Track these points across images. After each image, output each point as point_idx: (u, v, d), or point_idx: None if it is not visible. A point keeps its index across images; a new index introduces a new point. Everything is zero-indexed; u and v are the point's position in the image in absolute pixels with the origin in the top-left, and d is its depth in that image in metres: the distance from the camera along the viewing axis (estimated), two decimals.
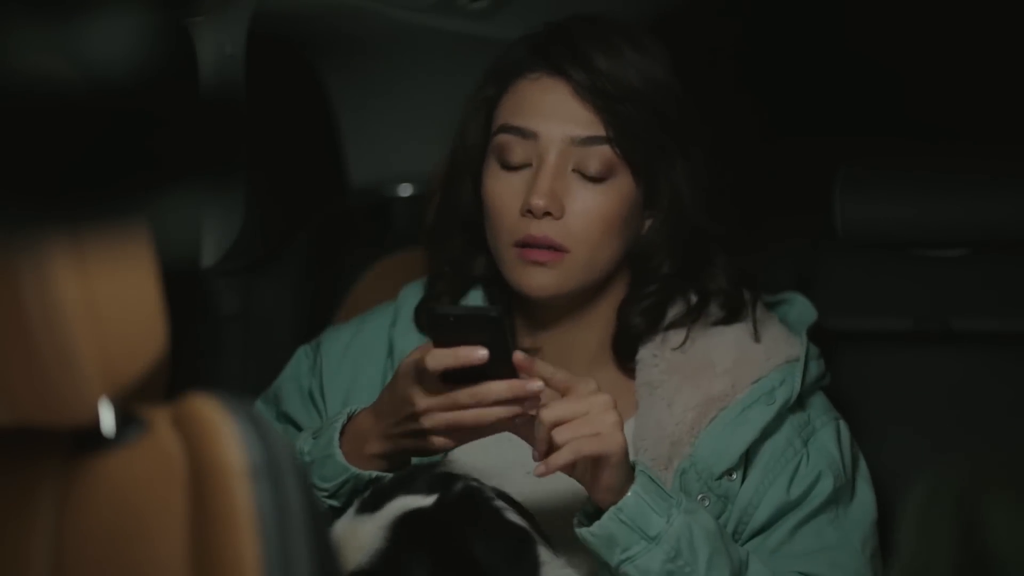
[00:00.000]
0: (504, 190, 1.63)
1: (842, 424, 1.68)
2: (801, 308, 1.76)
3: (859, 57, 2.62)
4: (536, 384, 1.48)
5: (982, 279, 2.12)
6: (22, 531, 0.96)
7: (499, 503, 1.49)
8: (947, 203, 2.11)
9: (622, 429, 1.48)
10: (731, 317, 1.68)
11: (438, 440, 1.52)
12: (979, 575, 0.90)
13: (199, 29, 1.88)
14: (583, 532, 1.50)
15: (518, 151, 1.63)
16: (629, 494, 1.49)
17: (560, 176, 1.61)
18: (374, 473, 1.56)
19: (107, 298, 0.92)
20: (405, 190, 2.41)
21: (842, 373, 1.75)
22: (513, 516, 1.48)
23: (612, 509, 1.49)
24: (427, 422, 1.50)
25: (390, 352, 1.74)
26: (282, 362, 1.88)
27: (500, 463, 1.63)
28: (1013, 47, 2.40)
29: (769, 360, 1.65)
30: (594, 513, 1.51)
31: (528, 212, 1.60)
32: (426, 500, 1.46)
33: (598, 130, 1.62)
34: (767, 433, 1.62)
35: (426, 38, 2.22)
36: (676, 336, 1.68)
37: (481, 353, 1.46)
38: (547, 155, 1.61)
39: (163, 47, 1.00)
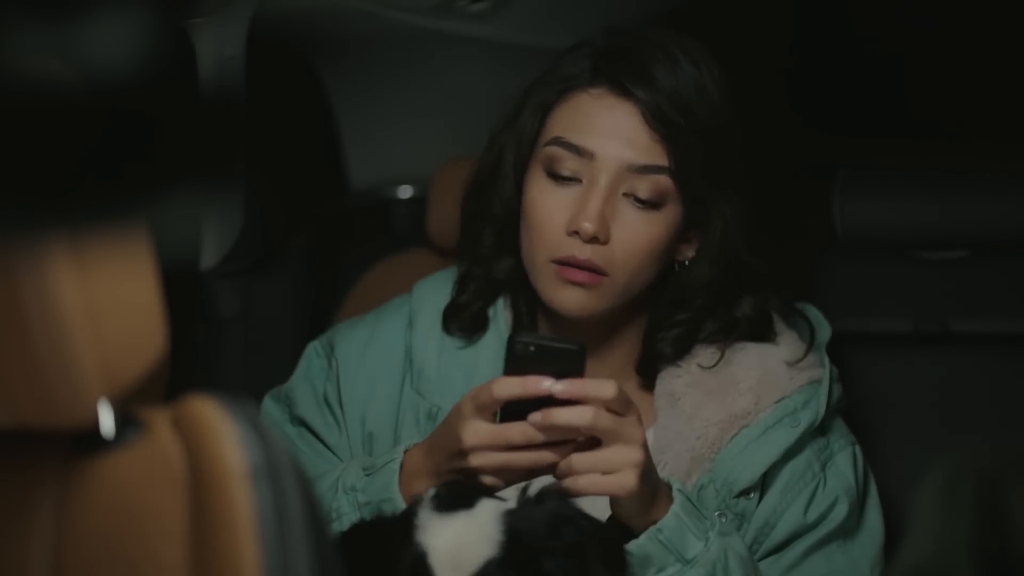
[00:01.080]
0: (550, 204, 1.59)
1: (857, 449, 1.67)
2: (816, 325, 1.73)
3: (858, 57, 2.62)
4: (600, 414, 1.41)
5: (981, 280, 2.12)
6: (21, 532, 0.96)
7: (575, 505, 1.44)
8: (947, 204, 2.11)
9: (639, 472, 1.43)
10: (758, 337, 1.67)
11: (487, 479, 1.46)
12: (998, 560, 0.90)
13: (199, 31, 1.88)
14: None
15: (569, 166, 1.58)
16: (669, 515, 1.48)
17: (610, 200, 1.57)
18: None
19: (107, 299, 0.92)
20: (405, 192, 2.41)
21: (842, 373, 1.74)
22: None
23: (652, 529, 1.47)
24: (475, 460, 1.45)
25: (407, 358, 1.71)
26: (282, 363, 1.88)
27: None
28: (1013, 47, 2.40)
29: (792, 380, 1.64)
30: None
31: (575, 233, 1.56)
32: (510, 503, 1.40)
33: (656, 159, 1.57)
34: (789, 455, 1.61)
35: (426, 40, 2.22)
36: (701, 351, 1.66)
37: (556, 386, 1.40)
38: (600, 177, 1.57)
39: (163, 49, 1.00)
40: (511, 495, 1.41)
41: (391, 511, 1.48)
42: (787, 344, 1.68)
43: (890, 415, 2.08)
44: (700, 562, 1.48)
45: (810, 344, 1.69)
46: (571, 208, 1.57)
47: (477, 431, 1.43)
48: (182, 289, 1.92)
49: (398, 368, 1.71)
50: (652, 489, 1.48)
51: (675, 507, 1.48)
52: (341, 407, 1.71)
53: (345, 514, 1.55)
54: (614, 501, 1.47)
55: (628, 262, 1.57)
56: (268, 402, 1.77)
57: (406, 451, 1.55)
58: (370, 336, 1.74)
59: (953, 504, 0.93)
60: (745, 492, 1.60)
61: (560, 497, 1.41)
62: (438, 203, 2.19)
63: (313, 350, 1.76)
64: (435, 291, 1.75)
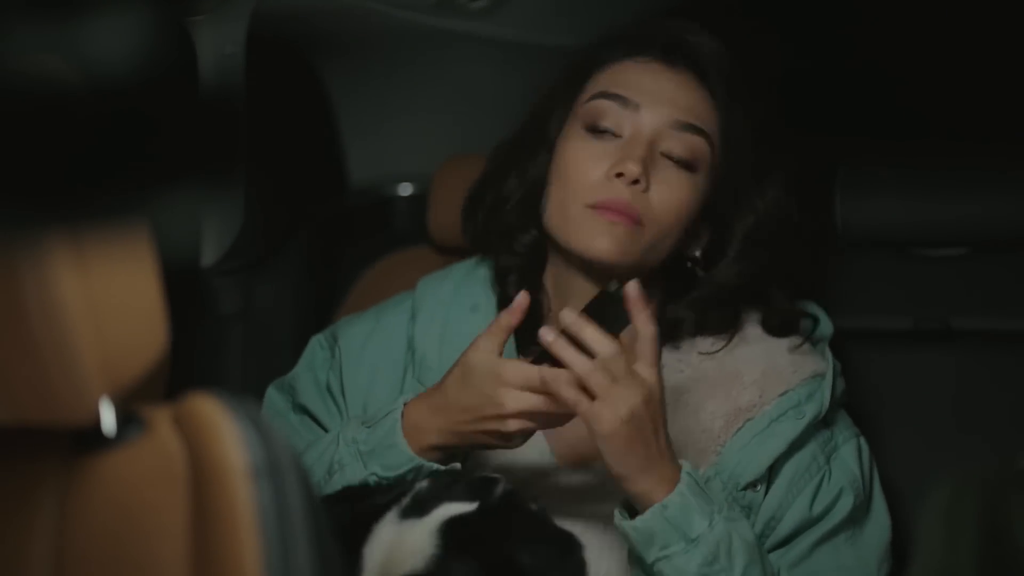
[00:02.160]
0: (588, 154, 1.61)
1: (862, 441, 1.68)
2: (819, 319, 1.74)
3: (858, 56, 2.62)
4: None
5: (982, 277, 2.12)
6: (22, 530, 0.96)
7: (539, 507, 1.49)
8: (946, 202, 2.11)
9: (620, 417, 1.45)
10: (776, 333, 1.68)
11: (515, 426, 1.49)
12: None
13: (199, 28, 1.88)
14: (624, 525, 1.50)
15: (612, 118, 1.62)
16: (675, 493, 1.48)
17: (652, 153, 1.60)
18: (435, 465, 1.54)
19: (107, 297, 0.92)
20: (405, 189, 2.41)
21: (843, 371, 1.74)
22: (555, 521, 1.48)
23: (657, 506, 1.48)
24: (513, 403, 1.48)
25: (409, 349, 1.73)
26: (283, 360, 1.88)
27: (529, 465, 1.64)
28: (1012, 46, 2.40)
29: (796, 373, 1.65)
30: (632, 508, 1.51)
31: (618, 176, 1.58)
32: (469, 507, 1.45)
33: (699, 120, 1.61)
34: (794, 447, 1.62)
35: (426, 37, 2.22)
36: (701, 341, 1.67)
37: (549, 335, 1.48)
38: (644, 128, 1.60)
39: (163, 47, 1.00)
40: (471, 505, 1.43)
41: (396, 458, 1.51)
42: (790, 337, 1.69)
43: (891, 413, 2.08)
44: (704, 542, 1.48)
45: (811, 332, 1.70)
46: (611, 158, 1.59)
47: (516, 390, 1.49)
48: (182, 287, 1.92)
49: (400, 359, 1.72)
50: (646, 454, 1.46)
51: (681, 486, 1.49)
52: (343, 396, 1.73)
53: (347, 464, 1.57)
54: (604, 450, 1.46)
55: (662, 217, 1.59)
56: (272, 392, 1.78)
57: (405, 404, 1.57)
58: (372, 328, 1.76)
59: (958, 524, 0.93)
60: (752, 485, 1.60)
61: (524, 507, 1.44)
62: (439, 200, 2.19)
63: (316, 342, 1.78)
64: (438, 285, 1.76)
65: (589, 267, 1.63)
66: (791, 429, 1.61)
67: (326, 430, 1.72)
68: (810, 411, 1.62)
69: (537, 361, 1.50)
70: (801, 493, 1.61)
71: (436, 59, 2.28)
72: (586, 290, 1.63)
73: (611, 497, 1.57)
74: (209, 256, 2.04)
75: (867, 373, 2.06)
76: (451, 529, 1.44)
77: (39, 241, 0.89)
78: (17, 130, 0.90)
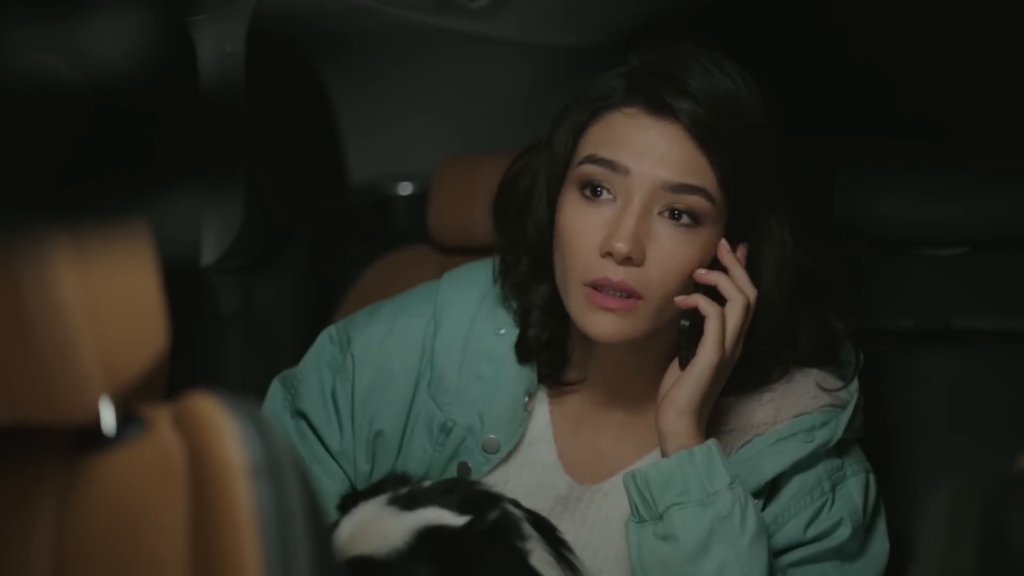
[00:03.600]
0: (583, 224, 1.55)
1: (872, 477, 1.66)
2: (851, 355, 1.70)
3: (857, 56, 2.62)
4: None
5: (982, 277, 2.12)
6: (23, 530, 0.96)
7: (529, 544, 1.43)
8: (946, 201, 2.11)
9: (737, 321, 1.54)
10: (820, 362, 1.66)
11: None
12: None
13: (200, 27, 1.88)
14: (640, 471, 1.52)
15: (604, 184, 1.55)
16: (703, 445, 1.51)
17: (645, 219, 1.53)
18: None
19: (107, 297, 0.92)
20: (405, 188, 2.41)
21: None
22: (539, 560, 1.43)
23: (684, 451, 1.51)
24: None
25: (427, 361, 1.67)
26: (282, 359, 1.87)
27: (543, 484, 1.63)
28: (1012, 46, 2.40)
29: (816, 399, 1.62)
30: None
31: (608, 255, 1.52)
32: (457, 520, 1.41)
33: (692, 178, 1.53)
34: (798, 468, 1.60)
35: (426, 37, 2.22)
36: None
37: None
38: (635, 195, 1.53)
39: (163, 46, 1.00)
40: (459, 518, 1.41)
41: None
42: (820, 370, 1.66)
43: (891, 413, 2.08)
44: (721, 499, 1.49)
45: (852, 376, 1.66)
46: (605, 228, 1.54)
47: None
48: (182, 286, 1.92)
49: (414, 368, 1.67)
50: (702, 401, 1.54)
51: (711, 442, 1.52)
52: (352, 406, 1.68)
53: None
54: (692, 369, 1.54)
55: (663, 284, 1.54)
56: (276, 385, 1.74)
57: None
58: (389, 331, 1.69)
59: (958, 527, 0.92)
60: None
61: (511, 539, 1.42)
62: (439, 200, 2.19)
63: (327, 336, 1.73)
64: (463, 293, 1.70)
65: None
66: (798, 450, 1.59)
67: (322, 440, 1.69)
68: (821, 436, 1.60)
69: None
70: (799, 514, 1.59)
71: (436, 59, 2.28)
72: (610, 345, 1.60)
73: (621, 522, 1.57)
74: (209, 255, 2.03)
75: (867, 373, 2.06)
76: (428, 534, 1.40)
77: (40, 240, 0.89)
78: (18, 129, 0.90)
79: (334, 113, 2.34)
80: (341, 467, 1.69)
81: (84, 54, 0.96)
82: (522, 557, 1.42)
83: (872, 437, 1.75)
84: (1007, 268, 2.11)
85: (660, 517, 1.50)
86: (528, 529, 1.44)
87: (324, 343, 1.72)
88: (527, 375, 1.65)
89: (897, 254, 2.14)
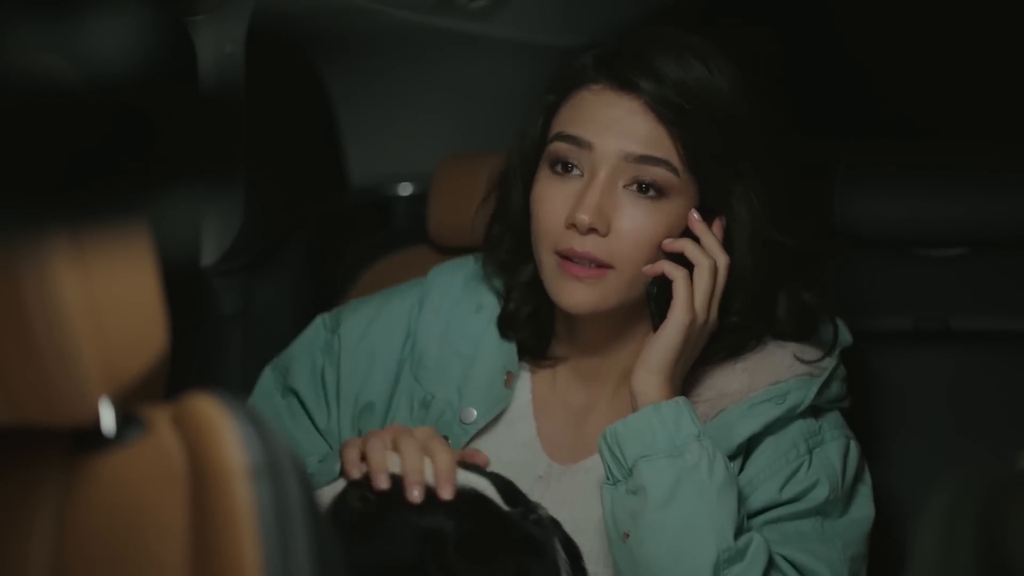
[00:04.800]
0: (552, 197, 1.60)
1: (853, 443, 1.67)
2: (840, 331, 1.72)
3: (857, 56, 2.62)
4: None
5: (981, 277, 2.12)
6: (22, 530, 0.96)
7: (559, 563, 1.46)
8: (946, 201, 2.11)
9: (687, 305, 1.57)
10: (800, 336, 1.67)
11: None
12: None
13: (199, 28, 1.88)
14: (610, 430, 1.54)
15: (571, 160, 1.59)
16: (671, 401, 1.54)
17: (610, 192, 1.57)
18: None
19: (107, 298, 0.92)
20: (405, 189, 2.41)
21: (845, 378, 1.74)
22: None
23: (651, 406, 1.54)
24: None
25: (409, 339, 1.73)
26: None
27: (522, 464, 1.64)
28: (1011, 46, 2.40)
29: (791, 368, 1.64)
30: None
31: (573, 226, 1.57)
32: (499, 499, 1.44)
33: (656, 150, 1.57)
34: (770, 429, 1.62)
35: (426, 37, 2.22)
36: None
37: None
38: (599, 168, 1.58)
39: (163, 46, 1.00)
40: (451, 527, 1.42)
41: None
42: (800, 344, 1.67)
43: (890, 412, 2.08)
44: (688, 450, 1.52)
45: (831, 348, 1.68)
46: (572, 201, 1.59)
47: None
48: (182, 286, 1.92)
49: (399, 346, 1.73)
50: (673, 360, 1.57)
51: (679, 398, 1.56)
52: (338, 384, 1.73)
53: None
54: (664, 328, 1.57)
55: (632, 254, 1.58)
56: (267, 371, 1.79)
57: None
58: (376, 314, 1.76)
59: (954, 529, 0.92)
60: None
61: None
62: (438, 200, 2.19)
63: (320, 321, 1.79)
64: (449, 276, 1.77)
65: None
66: (770, 412, 1.61)
67: (312, 418, 1.73)
68: (792, 399, 1.62)
69: None
70: (774, 476, 1.60)
71: (436, 59, 2.28)
72: (586, 318, 1.64)
73: (598, 501, 1.58)
74: (209, 256, 2.03)
75: (866, 373, 2.07)
76: (461, 496, 1.43)
77: (39, 241, 0.89)
78: (17, 130, 0.90)
79: (334, 113, 2.34)
80: (329, 445, 1.73)
81: (84, 54, 0.96)
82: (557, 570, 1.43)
83: (871, 437, 1.75)
84: (1006, 268, 2.11)
85: (630, 472, 1.53)
86: (560, 551, 1.46)
87: (316, 326, 1.78)
88: (507, 352, 1.69)
89: (896, 254, 2.14)
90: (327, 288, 2.29)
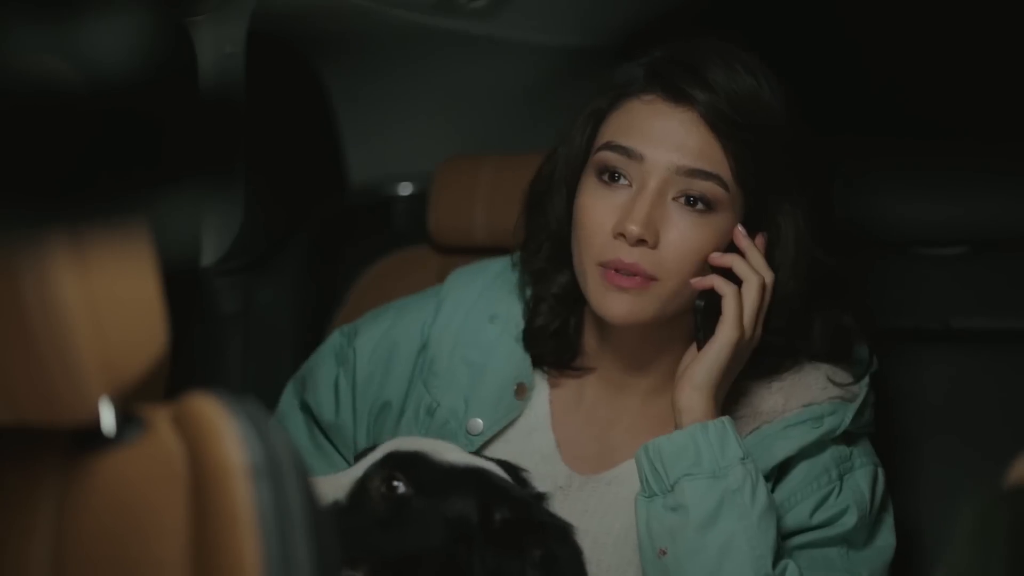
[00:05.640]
0: (599, 207, 1.58)
1: (880, 471, 1.67)
2: (864, 354, 1.71)
3: (857, 56, 2.62)
4: None
5: (982, 277, 2.12)
6: (22, 530, 0.96)
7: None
8: (946, 201, 2.11)
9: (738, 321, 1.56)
10: (834, 359, 1.67)
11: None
12: None
13: (199, 28, 1.88)
14: (653, 444, 1.53)
15: (620, 170, 1.58)
16: (717, 421, 1.53)
17: (660, 203, 1.56)
18: None
19: (107, 298, 0.92)
20: (405, 189, 2.41)
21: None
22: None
23: (697, 424, 1.53)
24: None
25: (423, 346, 1.73)
26: (283, 360, 1.88)
27: (543, 475, 1.64)
28: (1011, 46, 2.40)
29: (825, 390, 1.64)
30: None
31: (621, 236, 1.55)
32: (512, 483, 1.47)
33: (707, 164, 1.56)
34: (805, 454, 1.61)
35: (426, 37, 2.22)
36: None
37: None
38: (649, 180, 1.56)
39: (163, 47, 1.00)
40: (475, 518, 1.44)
41: None
42: (833, 365, 1.67)
43: (890, 412, 2.08)
44: (733, 472, 1.51)
45: (864, 373, 1.68)
46: (620, 212, 1.57)
47: None
48: (182, 286, 1.92)
49: (414, 353, 1.73)
50: (719, 379, 1.56)
51: (725, 418, 1.54)
52: (353, 391, 1.74)
53: None
54: (712, 344, 1.56)
55: (678, 267, 1.56)
56: (289, 384, 1.81)
57: None
58: (393, 322, 1.76)
59: (985, 537, 0.92)
60: None
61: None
62: (438, 200, 2.19)
63: (339, 332, 1.80)
64: (467, 283, 1.76)
65: None
66: (805, 435, 1.60)
67: (323, 430, 1.74)
68: (828, 424, 1.61)
69: None
70: (805, 500, 1.60)
71: (436, 59, 2.28)
72: (625, 329, 1.62)
73: (622, 511, 1.58)
74: (209, 256, 2.03)
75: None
76: (480, 475, 1.47)
77: (40, 241, 0.89)
78: (17, 130, 0.90)
79: (334, 114, 2.34)
80: (334, 445, 1.75)
81: (84, 55, 0.96)
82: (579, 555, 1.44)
83: (871, 437, 1.75)
84: (1007, 268, 2.11)
85: (671, 489, 1.52)
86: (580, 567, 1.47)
87: (335, 337, 1.79)
88: (519, 363, 1.69)
89: (897, 254, 2.14)
90: (327, 288, 2.29)
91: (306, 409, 1.77)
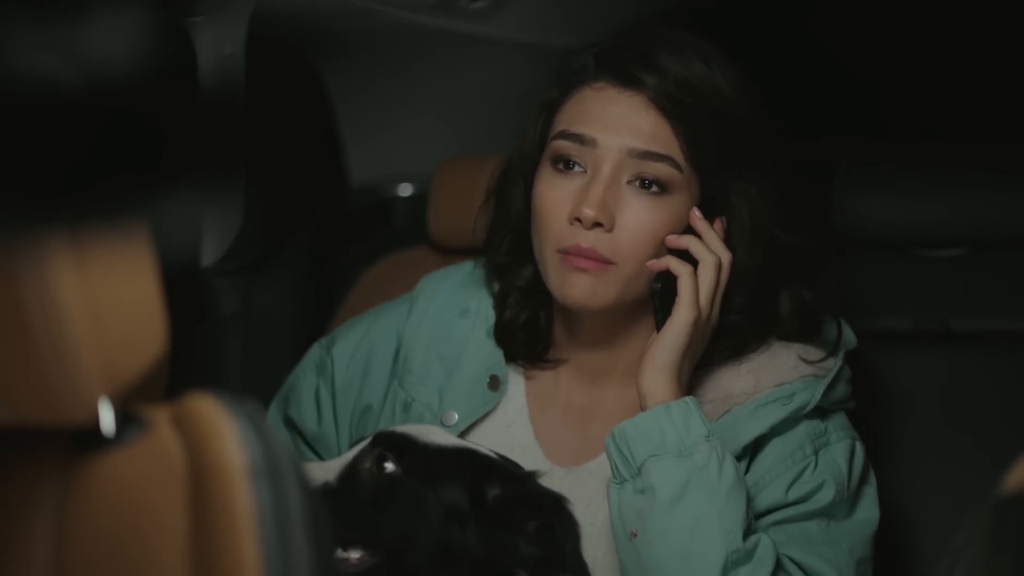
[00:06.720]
0: (555, 195, 1.60)
1: (858, 445, 1.67)
2: (844, 332, 1.72)
3: (858, 57, 2.62)
4: None
5: (981, 278, 2.12)
6: (22, 530, 0.96)
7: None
8: (946, 201, 2.11)
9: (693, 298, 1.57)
10: (802, 337, 1.67)
11: None
12: None
13: (199, 29, 1.88)
14: (618, 430, 1.54)
15: (574, 157, 1.60)
16: (680, 401, 1.54)
17: (614, 187, 1.58)
18: None
19: (107, 297, 0.92)
20: (405, 190, 2.41)
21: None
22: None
23: (661, 406, 1.54)
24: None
25: (398, 347, 1.75)
26: (282, 360, 1.88)
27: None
28: (1009, 46, 2.40)
29: (796, 369, 1.64)
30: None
31: (577, 221, 1.57)
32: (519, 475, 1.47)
33: (659, 146, 1.58)
34: (777, 431, 1.62)
35: (426, 38, 2.22)
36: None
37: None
38: (603, 164, 1.58)
39: (163, 47, 1.00)
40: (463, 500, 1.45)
41: None
42: (804, 344, 1.67)
43: (891, 413, 2.08)
44: (698, 450, 1.51)
45: (835, 347, 1.68)
46: (575, 197, 1.58)
47: None
48: (182, 287, 1.92)
49: (391, 355, 1.75)
50: (680, 358, 1.57)
51: (688, 398, 1.55)
52: (333, 398, 1.75)
53: None
54: (668, 326, 1.57)
55: (635, 250, 1.58)
56: (272, 405, 1.82)
57: None
58: (368, 327, 1.78)
59: (996, 542, 0.92)
60: None
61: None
62: (438, 201, 2.19)
63: (317, 344, 1.81)
64: (437, 284, 1.78)
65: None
66: (776, 413, 1.61)
67: (307, 441, 1.76)
68: (798, 400, 1.62)
69: None
70: (779, 477, 1.60)
71: (436, 59, 2.29)
72: (589, 314, 1.64)
73: (605, 501, 1.58)
74: (209, 256, 2.04)
75: (866, 374, 2.06)
76: (471, 455, 1.49)
77: (39, 241, 0.89)
78: (17, 130, 0.90)
79: (334, 114, 2.34)
80: (317, 454, 1.76)
81: (83, 55, 0.96)
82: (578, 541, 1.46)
83: (871, 437, 1.75)
84: (1006, 269, 2.11)
85: (638, 472, 1.53)
86: (573, 550, 1.49)
87: (314, 350, 1.81)
88: (491, 355, 1.70)
89: (896, 255, 2.14)
90: (327, 288, 2.29)
91: (290, 425, 1.79)
